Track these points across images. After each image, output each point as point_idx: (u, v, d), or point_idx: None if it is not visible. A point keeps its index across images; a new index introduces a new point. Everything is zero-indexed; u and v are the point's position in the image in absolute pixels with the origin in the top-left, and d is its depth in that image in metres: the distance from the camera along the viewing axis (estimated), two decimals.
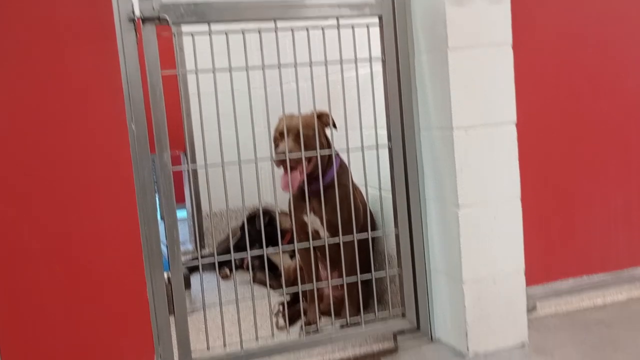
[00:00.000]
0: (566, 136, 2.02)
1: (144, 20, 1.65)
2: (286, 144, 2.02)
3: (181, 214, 3.79)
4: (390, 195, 1.98)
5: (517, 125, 1.83)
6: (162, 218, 1.75)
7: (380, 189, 2.04)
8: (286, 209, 2.37)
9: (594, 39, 2.04)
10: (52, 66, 1.59)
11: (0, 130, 1.56)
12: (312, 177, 2.08)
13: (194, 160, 3.39)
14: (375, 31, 1.92)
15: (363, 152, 1.94)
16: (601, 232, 2.14)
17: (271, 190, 1.94)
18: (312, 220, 2.12)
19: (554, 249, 2.06)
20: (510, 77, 1.82)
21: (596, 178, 2.08)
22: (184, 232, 3.81)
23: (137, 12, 1.64)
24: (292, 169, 2.01)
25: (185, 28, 1.94)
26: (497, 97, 1.80)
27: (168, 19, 1.66)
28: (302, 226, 2.17)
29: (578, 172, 2.05)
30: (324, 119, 2.11)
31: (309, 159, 2.05)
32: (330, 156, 2.09)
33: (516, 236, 1.86)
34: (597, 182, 2.08)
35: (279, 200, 2.47)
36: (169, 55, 1.81)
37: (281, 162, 2.00)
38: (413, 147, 1.93)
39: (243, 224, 2.94)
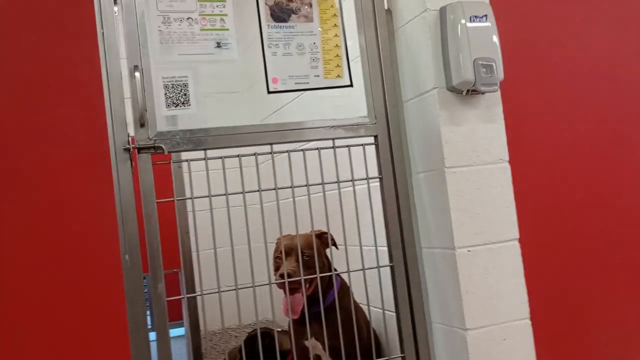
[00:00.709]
0: (571, 250, 1.97)
1: (140, 149, 1.65)
2: (285, 267, 1.97)
3: (178, 332, 3.66)
4: (394, 314, 1.90)
5: (521, 242, 1.79)
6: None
7: (383, 309, 1.97)
8: (286, 327, 2.28)
9: (590, 149, 2.05)
10: (45, 196, 1.57)
11: None
12: (313, 300, 2.01)
13: (191, 278, 3.31)
14: (371, 149, 1.92)
15: (364, 272, 1.89)
16: (616, 349, 2.04)
17: (270, 306, 1.87)
18: (313, 345, 2.03)
19: None
20: (509, 194, 1.80)
21: (607, 291, 2.01)
22: (181, 352, 3.66)
23: (133, 142, 1.64)
24: (294, 291, 1.95)
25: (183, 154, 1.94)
26: (498, 215, 1.78)
27: (164, 148, 1.66)
28: (303, 351, 2.07)
29: (588, 285, 1.98)
30: (323, 239, 2.08)
31: (309, 281, 1.99)
32: (330, 277, 2.03)
33: (528, 358, 1.77)
34: (608, 296, 2.01)
35: (279, 317, 2.37)
36: (166, 180, 1.80)
37: (282, 285, 1.95)
38: (415, 267, 1.88)
39: (241, 348, 2.82)
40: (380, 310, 2.09)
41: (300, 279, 1.91)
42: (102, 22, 1.65)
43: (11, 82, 1.57)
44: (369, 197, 1.90)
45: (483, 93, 1.78)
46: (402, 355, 1.87)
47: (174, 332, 3.65)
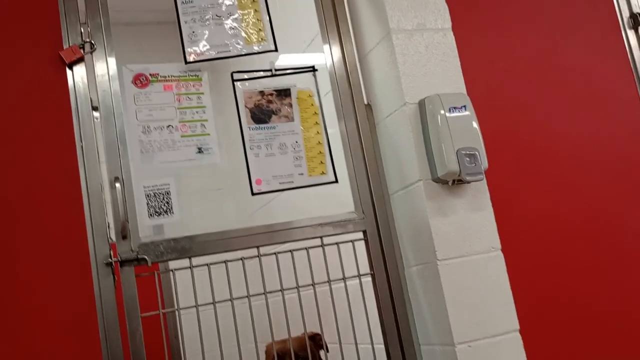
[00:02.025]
0: (573, 337, 1.90)
1: (122, 262, 1.60)
2: None
3: None
4: None
5: (521, 332, 1.73)
6: None
7: None
8: None
9: (583, 229, 2.02)
10: (24, 314, 1.50)
11: None
12: None
13: None
14: (361, 245, 1.88)
15: None
16: None
17: None
18: None
19: None
20: (505, 283, 1.76)
21: None
22: None
23: (115, 255, 1.59)
24: None
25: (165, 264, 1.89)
26: (496, 306, 1.72)
27: (148, 259, 1.61)
28: None
29: None
30: (317, 340, 2.00)
31: None
32: None
33: None
34: None
35: None
36: (151, 287, 1.73)
37: None
38: None
39: None
40: None
41: None
42: (81, 134, 1.64)
43: None
44: (362, 294, 1.84)
45: (469, 182, 1.77)
46: None
47: None
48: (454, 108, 1.79)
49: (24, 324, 1.51)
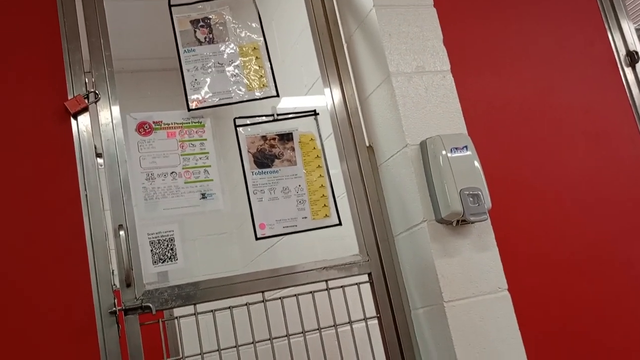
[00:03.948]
0: None
1: (126, 311, 1.59)
2: None
3: None
4: None
5: None
6: None
7: None
8: None
9: (589, 264, 2.01)
10: None
11: None
12: None
13: None
14: (366, 287, 1.87)
15: None
16: None
17: None
18: None
19: None
20: (513, 323, 1.74)
21: None
22: None
23: (119, 304, 1.58)
24: None
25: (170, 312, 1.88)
26: (504, 347, 1.70)
27: (152, 307, 1.59)
28: None
29: None
30: None
31: None
32: None
33: None
34: None
35: None
36: (156, 335, 1.72)
37: None
38: None
39: None
40: None
41: None
42: (85, 183, 1.65)
43: None
44: (369, 337, 1.82)
45: (473, 223, 1.77)
46: None
47: None
48: (456, 148, 1.80)
49: None
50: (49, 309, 1.54)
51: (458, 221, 1.75)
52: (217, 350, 1.66)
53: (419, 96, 1.87)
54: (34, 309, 1.53)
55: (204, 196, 1.75)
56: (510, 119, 2.10)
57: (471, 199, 1.73)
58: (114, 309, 1.57)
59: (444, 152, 1.78)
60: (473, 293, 1.73)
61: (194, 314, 1.66)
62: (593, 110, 2.22)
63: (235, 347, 1.68)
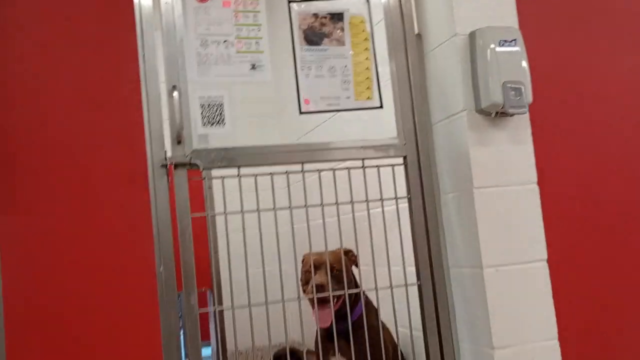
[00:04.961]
0: (601, 272, 1.96)
1: (176, 165, 1.71)
2: (315, 279, 2.00)
3: (205, 352, 3.69)
4: (421, 335, 1.91)
5: (550, 262, 1.80)
6: (186, 356, 1.70)
7: (410, 329, 1.98)
8: (313, 347, 2.30)
9: (621, 172, 2.05)
10: (86, 209, 1.64)
11: (29, 267, 1.58)
12: (340, 316, 2.03)
13: (220, 297, 3.36)
14: (400, 170, 1.95)
15: (392, 290, 1.91)
16: None
17: (299, 327, 1.91)
18: None
19: None
20: (538, 215, 1.82)
21: (638, 317, 1.99)
22: None
23: (169, 159, 1.70)
24: (323, 304, 1.99)
25: (215, 172, 2.00)
26: (526, 235, 1.79)
27: (199, 165, 1.71)
28: None
29: (618, 311, 1.97)
30: (350, 256, 2.11)
31: (337, 296, 2.02)
32: (357, 294, 2.06)
33: None
34: (639, 322, 1.99)
35: (306, 338, 2.39)
36: (198, 196, 1.86)
37: (312, 299, 1.98)
38: (443, 286, 1.89)
39: None
40: (408, 332, 2.11)
41: (329, 292, 1.93)
42: (143, 45, 1.73)
43: (56, 100, 1.66)
44: (398, 217, 1.93)
45: (512, 115, 1.81)
46: None
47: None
48: (504, 41, 1.81)
49: (85, 219, 1.64)
50: (106, 159, 1.67)
51: (497, 113, 1.79)
52: (257, 210, 1.78)
53: None
54: (93, 156, 1.66)
55: (253, 67, 1.82)
56: (565, 16, 2.06)
57: (513, 92, 1.77)
58: (165, 162, 1.70)
59: (492, 45, 1.80)
60: (503, 183, 1.80)
61: (238, 175, 1.78)
62: None
63: (273, 209, 1.81)
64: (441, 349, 1.88)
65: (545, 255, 1.79)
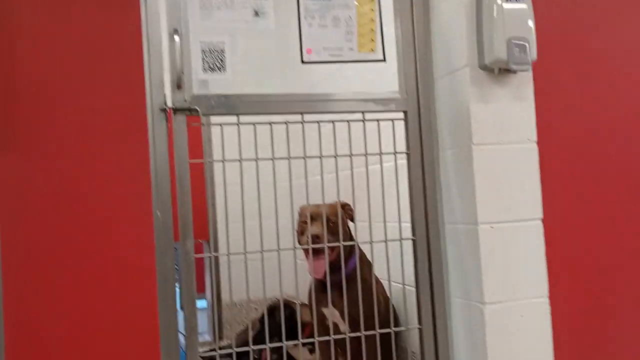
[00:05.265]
0: (596, 234, 1.98)
1: (175, 110, 1.70)
2: (311, 230, 2.01)
3: (200, 304, 3.74)
4: (414, 290, 1.94)
5: (544, 221, 1.81)
6: (181, 308, 1.73)
7: (403, 283, 2.01)
8: (306, 301, 2.33)
9: (622, 135, 2.04)
10: (84, 152, 1.63)
11: (26, 209, 1.58)
12: (334, 268, 2.05)
13: (216, 248, 3.38)
14: (400, 125, 1.95)
15: (387, 244, 1.92)
16: (635, 337, 2.04)
17: (293, 282, 1.93)
18: (331, 313, 2.08)
19: (585, 353, 1.97)
20: (535, 174, 1.82)
21: (629, 279, 2.01)
22: (203, 323, 3.74)
23: (169, 103, 1.69)
24: (318, 255, 2.01)
25: (214, 119, 1.99)
26: (522, 193, 1.79)
27: (199, 110, 1.71)
28: (322, 319, 2.12)
29: (610, 272, 1.99)
30: (347, 209, 2.12)
31: (332, 248, 2.04)
32: (351, 247, 2.08)
33: (545, 337, 1.79)
34: (630, 284, 2.01)
35: (300, 293, 2.42)
36: (197, 144, 1.85)
37: (307, 250, 2.00)
38: (437, 242, 1.91)
39: (263, 316, 2.88)
40: (400, 286, 2.13)
41: (324, 243, 1.95)
42: None
43: (57, 43, 1.64)
44: (396, 172, 1.93)
45: (515, 72, 1.80)
46: (420, 327, 1.90)
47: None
48: None
49: (84, 161, 1.64)
50: (106, 102, 1.66)
51: (500, 69, 1.78)
52: (255, 159, 1.78)
53: None
54: (92, 98, 1.65)
55: (256, 14, 1.80)
56: None
57: (517, 48, 1.75)
58: (165, 106, 1.69)
59: (499, 1, 1.77)
60: (502, 140, 1.80)
61: (237, 123, 1.77)
62: None
63: (272, 159, 1.81)
64: (432, 303, 1.90)
65: (540, 214, 1.80)
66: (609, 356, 1.99)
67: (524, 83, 1.82)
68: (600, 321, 1.99)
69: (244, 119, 1.79)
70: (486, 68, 1.79)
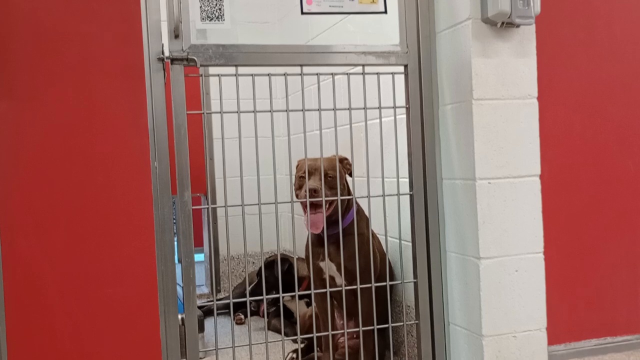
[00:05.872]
0: (592, 192, 1.98)
1: (173, 60, 1.68)
2: (309, 183, 2.01)
3: (198, 257, 3.77)
4: (410, 245, 1.95)
5: (542, 178, 1.81)
6: (179, 260, 1.74)
7: (400, 238, 2.02)
8: (303, 256, 2.35)
9: (622, 94, 2.03)
10: (81, 100, 1.62)
11: (26, 161, 1.58)
12: (331, 221, 2.06)
13: (214, 201, 3.39)
14: (400, 79, 1.93)
15: (384, 198, 1.93)
16: (627, 292, 2.07)
17: (290, 236, 1.94)
18: (328, 267, 2.09)
19: (578, 307, 2.00)
20: (535, 130, 1.81)
21: (622, 236, 2.03)
22: (201, 276, 3.78)
23: (167, 53, 1.67)
24: (315, 209, 2.01)
25: (212, 70, 1.97)
26: (521, 150, 1.79)
27: (197, 61, 1.68)
28: (318, 272, 2.14)
29: (604, 229, 2.00)
30: (345, 164, 2.11)
31: (329, 202, 2.04)
32: (349, 202, 2.08)
33: (538, 292, 1.82)
34: (623, 241, 2.03)
35: (297, 246, 2.44)
36: (195, 96, 1.83)
37: (304, 204, 2.00)
38: (435, 197, 1.91)
39: (260, 270, 2.91)
40: (397, 241, 2.14)
41: (322, 197, 1.94)
42: None
43: None
44: (395, 127, 1.92)
45: (518, 26, 1.77)
46: (415, 280, 1.92)
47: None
48: None
49: (81, 109, 1.63)
50: (104, 50, 1.64)
51: (503, 23, 1.75)
52: (253, 111, 1.77)
53: None
54: (90, 47, 1.63)
55: None
56: None
57: (521, 1, 1.72)
58: (162, 55, 1.66)
59: None
60: (502, 95, 1.78)
61: (235, 74, 1.75)
62: None
63: (270, 111, 1.79)
64: (428, 258, 1.92)
65: (538, 171, 1.80)
66: (601, 310, 2.02)
67: (527, 38, 1.79)
68: (594, 277, 2.01)
69: (242, 70, 1.77)
70: (489, 21, 1.76)
